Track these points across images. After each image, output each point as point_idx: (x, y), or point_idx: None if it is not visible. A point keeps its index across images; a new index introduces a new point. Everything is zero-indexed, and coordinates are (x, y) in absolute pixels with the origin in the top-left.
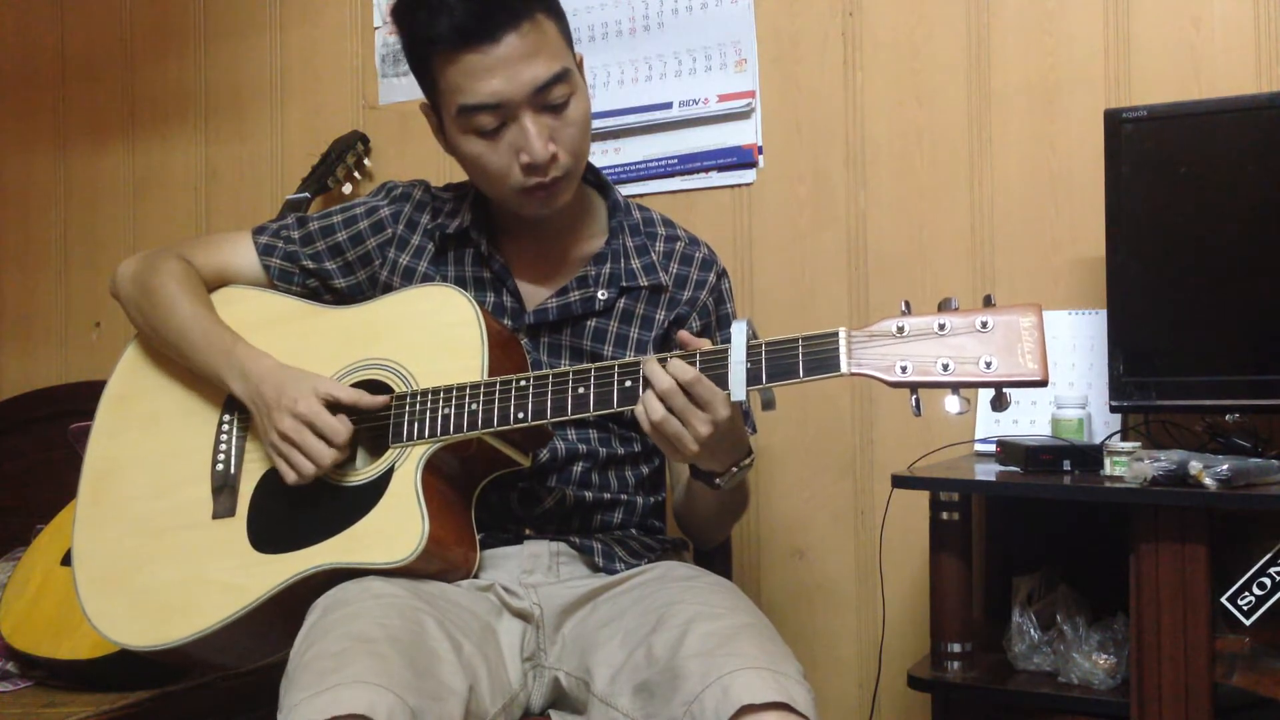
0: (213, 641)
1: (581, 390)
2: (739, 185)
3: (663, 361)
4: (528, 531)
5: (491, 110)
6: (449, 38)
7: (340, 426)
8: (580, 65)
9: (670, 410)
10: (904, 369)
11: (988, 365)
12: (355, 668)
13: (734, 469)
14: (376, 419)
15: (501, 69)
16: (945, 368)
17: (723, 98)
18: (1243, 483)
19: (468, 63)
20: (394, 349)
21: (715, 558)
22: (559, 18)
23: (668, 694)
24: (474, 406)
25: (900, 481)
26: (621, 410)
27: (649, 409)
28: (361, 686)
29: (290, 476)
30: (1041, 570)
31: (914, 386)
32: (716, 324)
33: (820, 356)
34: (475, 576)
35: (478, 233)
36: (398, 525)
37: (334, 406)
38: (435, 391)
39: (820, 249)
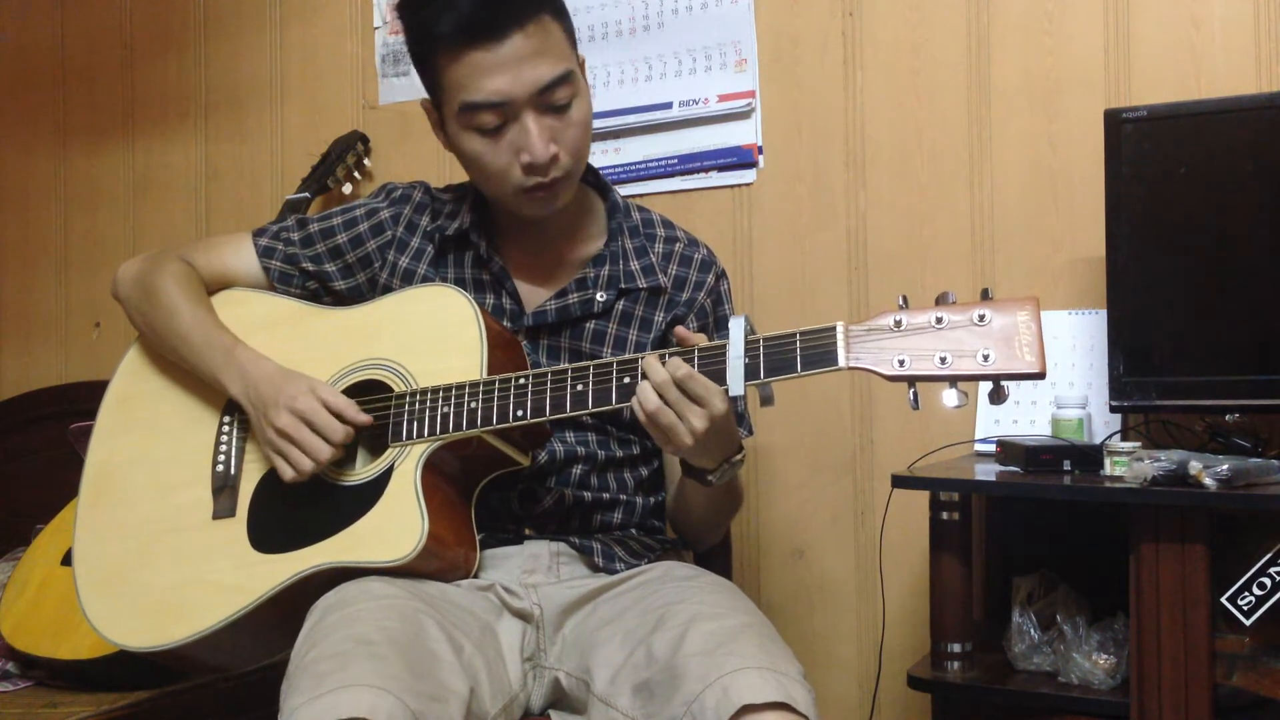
0: (213, 642)
1: (580, 387)
2: (739, 185)
3: (662, 359)
4: (528, 531)
5: (494, 109)
6: (454, 34)
7: (338, 425)
8: (582, 67)
9: (665, 402)
10: (901, 363)
11: (985, 358)
12: (355, 670)
13: (725, 465)
14: (376, 418)
15: (506, 68)
16: (943, 361)
17: (723, 98)
18: (1243, 483)
19: (472, 60)
20: (393, 349)
21: (715, 558)
22: (564, 20)
23: (668, 694)
24: (473, 405)
25: (900, 481)
26: (620, 408)
27: (644, 400)
28: (362, 689)
29: (288, 473)
30: (1041, 570)
31: (911, 380)
32: (714, 325)
33: (818, 351)
34: (475, 576)
35: (477, 235)
36: (397, 524)
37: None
38: (434, 390)
39: (820, 249)
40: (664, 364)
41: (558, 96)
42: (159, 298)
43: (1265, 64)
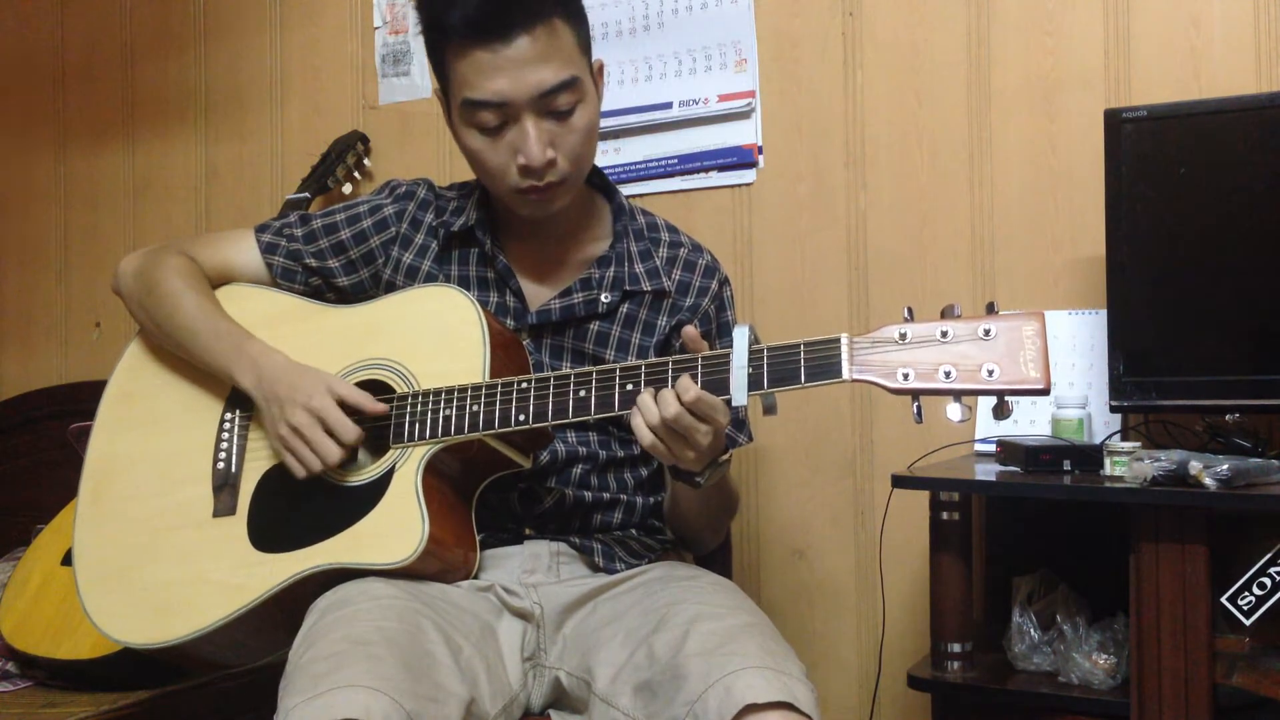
0: (213, 640)
1: (583, 393)
2: (739, 185)
3: (662, 374)
4: (528, 531)
5: (494, 109)
6: (461, 30)
7: (351, 426)
8: (600, 71)
9: (658, 437)
10: (906, 376)
11: (990, 373)
12: (350, 670)
13: (711, 466)
14: (378, 420)
15: (508, 69)
16: (947, 375)
17: (723, 98)
18: (1243, 483)
19: (476, 59)
20: (395, 349)
21: (715, 558)
22: (578, 23)
23: (670, 694)
24: (475, 408)
25: (900, 481)
26: (622, 414)
27: (640, 435)
28: (356, 690)
29: (299, 471)
30: (1041, 570)
31: (916, 394)
32: (717, 331)
33: (822, 362)
34: (475, 577)
35: (482, 232)
36: (398, 526)
37: (341, 406)
38: (436, 392)
39: (820, 249)
40: (655, 396)
41: (560, 102)
42: (162, 290)
43: (1265, 64)
